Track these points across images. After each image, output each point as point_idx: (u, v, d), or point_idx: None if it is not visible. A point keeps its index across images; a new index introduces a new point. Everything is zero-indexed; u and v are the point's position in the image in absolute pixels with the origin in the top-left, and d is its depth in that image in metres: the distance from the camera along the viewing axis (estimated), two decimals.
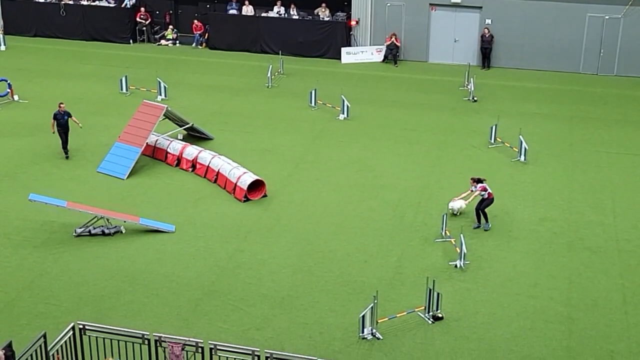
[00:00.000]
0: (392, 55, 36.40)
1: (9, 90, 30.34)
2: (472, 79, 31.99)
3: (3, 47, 37.85)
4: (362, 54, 37.02)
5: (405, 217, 21.77)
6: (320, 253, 19.90)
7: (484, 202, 21.14)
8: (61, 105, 24.91)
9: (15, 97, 30.47)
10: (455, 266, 19.18)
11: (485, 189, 21.10)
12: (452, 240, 20.32)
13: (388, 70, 35.82)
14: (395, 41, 36.27)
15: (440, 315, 17.14)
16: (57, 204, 20.67)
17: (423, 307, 17.28)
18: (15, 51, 37.57)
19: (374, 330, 16.53)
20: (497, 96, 32.20)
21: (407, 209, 22.23)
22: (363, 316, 16.40)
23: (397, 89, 33.02)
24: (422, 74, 35.22)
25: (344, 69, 36.00)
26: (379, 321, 16.71)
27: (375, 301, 16.52)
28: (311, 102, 30.42)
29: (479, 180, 21.28)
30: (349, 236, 20.78)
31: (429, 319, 17.09)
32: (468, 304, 17.78)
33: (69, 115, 24.84)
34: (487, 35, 35.43)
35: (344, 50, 36.90)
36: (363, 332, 16.48)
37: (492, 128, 26.95)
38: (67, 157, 25.09)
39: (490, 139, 26.87)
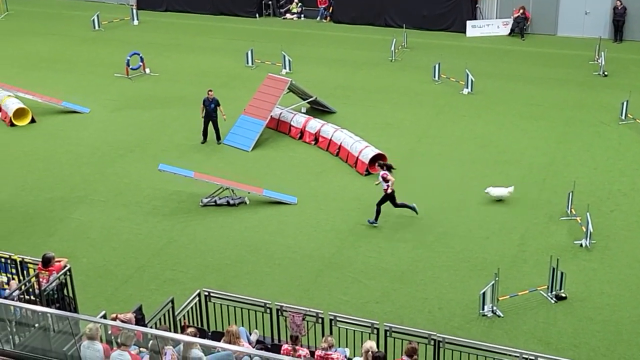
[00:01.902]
0: (520, 28, 35.46)
1: (141, 63, 31.38)
2: (603, 53, 30.80)
3: (136, 22, 39.10)
4: (488, 27, 36.24)
5: (529, 194, 21.32)
6: (441, 228, 19.78)
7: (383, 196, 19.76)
8: (210, 92, 24.65)
9: (147, 71, 31.49)
10: (581, 245, 18.68)
11: (386, 178, 19.57)
12: (578, 218, 19.75)
13: (514, 43, 34.94)
14: (524, 14, 35.30)
15: (563, 294, 16.76)
16: (185, 174, 21.34)
17: (546, 286, 16.94)
18: (147, 26, 38.74)
19: (494, 308, 16.35)
20: (629, 71, 30.91)
21: (531, 186, 21.76)
22: (484, 293, 16.23)
23: (524, 63, 32.19)
24: (550, 48, 34.16)
25: (468, 42, 35.36)
26: (499, 299, 16.51)
27: (497, 278, 16.32)
28: (434, 76, 30.09)
29: (385, 167, 19.79)
30: (471, 212, 20.54)
31: (551, 298, 16.75)
32: (593, 284, 17.31)
33: (217, 104, 24.56)
34: (619, 7, 33.97)
35: (469, 23, 36.23)
36: (483, 309, 16.32)
37: (623, 104, 25.93)
38: (202, 142, 24.94)
39: (621, 116, 25.88)
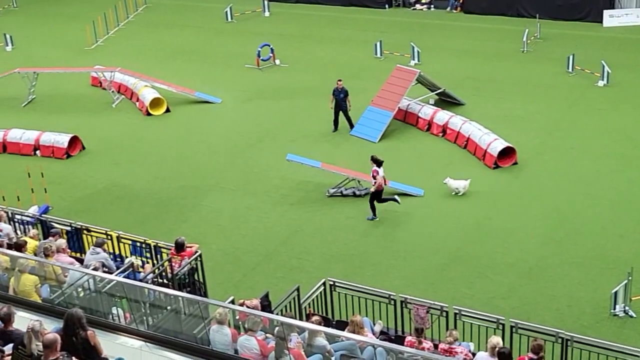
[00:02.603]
0: None
1: (271, 54, 31.92)
2: None
3: (267, 14, 39.79)
4: (627, 16, 34.88)
5: None
6: (572, 225, 19.23)
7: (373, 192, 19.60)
8: (339, 82, 24.84)
9: (277, 62, 32.00)
10: None
11: (374, 175, 19.36)
12: None
13: None
14: None
15: None
16: (312, 164, 21.59)
17: None
18: (278, 17, 39.36)
19: (626, 308, 15.79)
20: None
21: None
22: (615, 292, 15.69)
23: None
24: None
25: (605, 32, 34.11)
26: (632, 298, 15.93)
27: (630, 278, 15.74)
28: (568, 68, 29.21)
29: (376, 162, 19.61)
30: (604, 208, 19.86)
31: None
32: None
33: (346, 94, 24.76)
34: None
35: (606, 12, 34.97)
36: (615, 309, 15.79)
37: None
38: (334, 131, 25.20)
39: None
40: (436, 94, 26.52)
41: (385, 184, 19.95)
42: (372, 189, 19.73)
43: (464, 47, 33.07)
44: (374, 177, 19.55)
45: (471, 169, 22.38)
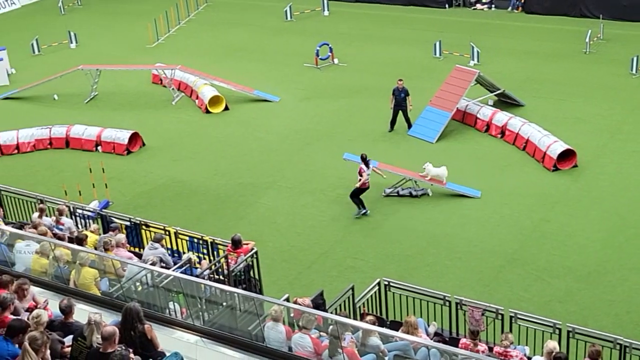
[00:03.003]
0: None
1: (330, 53, 31.99)
2: None
3: (326, 13, 39.86)
4: None
5: None
6: (634, 229, 18.88)
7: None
8: (399, 81, 24.77)
9: (335, 61, 32.04)
10: None
11: (360, 172, 19.89)
12: None
13: None
14: None
15: None
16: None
17: None
18: (337, 16, 39.38)
19: None
20: None
21: None
22: None
23: None
24: None
25: None
26: None
27: None
28: (632, 70, 28.63)
29: (365, 160, 20.04)
30: None
31: None
32: None
33: (406, 93, 24.68)
34: None
35: None
36: None
37: None
38: (390, 131, 25.15)
39: None
40: (495, 95, 26.27)
41: (442, 184, 19.96)
42: (358, 185, 20.05)
43: (524, 47, 32.67)
44: (360, 175, 19.89)
45: (530, 171, 22.14)
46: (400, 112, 24.90)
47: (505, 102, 26.47)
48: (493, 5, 39.08)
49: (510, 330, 13.49)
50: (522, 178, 21.77)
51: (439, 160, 22.89)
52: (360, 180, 19.97)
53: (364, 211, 20.27)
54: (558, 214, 19.79)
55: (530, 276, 17.41)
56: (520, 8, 38.19)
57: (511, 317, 13.73)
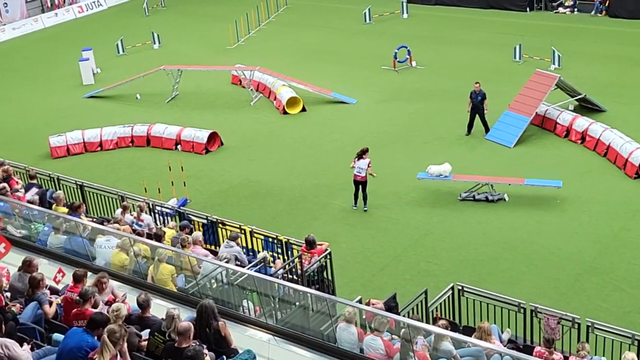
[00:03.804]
0: None
1: (407, 56, 31.89)
2: None
3: (405, 16, 39.74)
4: None
5: None
6: None
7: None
8: (477, 84, 24.61)
9: (413, 64, 31.93)
10: None
11: (353, 166, 20.65)
12: None
13: None
14: None
15: None
16: (444, 178, 21.34)
17: None
18: (416, 19, 39.23)
19: None
20: None
21: None
22: None
23: None
24: None
25: None
26: None
27: None
28: None
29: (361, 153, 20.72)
30: None
31: None
32: None
33: (484, 97, 24.43)
34: None
35: None
36: None
37: None
38: (467, 134, 24.93)
39: None
40: (576, 100, 25.79)
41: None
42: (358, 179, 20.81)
43: (607, 51, 31.96)
44: (368, 167, 20.61)
45: (610, 178, 21.66)
46: (477, 115, 24.66)
47: (586, 107, 25.94)
48: (576, 9, 38.33)
49: (587, 340, 13.22)
50: (602, 185, 21.31)
51: (517, 166, 22.68)
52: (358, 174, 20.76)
53: (354, 206, 21.07)
54: (639, 222, 19.30)
55: (608, 285, 17.04)
56: (603, 12, 37.37)
57: (588, 326, 13.47)
